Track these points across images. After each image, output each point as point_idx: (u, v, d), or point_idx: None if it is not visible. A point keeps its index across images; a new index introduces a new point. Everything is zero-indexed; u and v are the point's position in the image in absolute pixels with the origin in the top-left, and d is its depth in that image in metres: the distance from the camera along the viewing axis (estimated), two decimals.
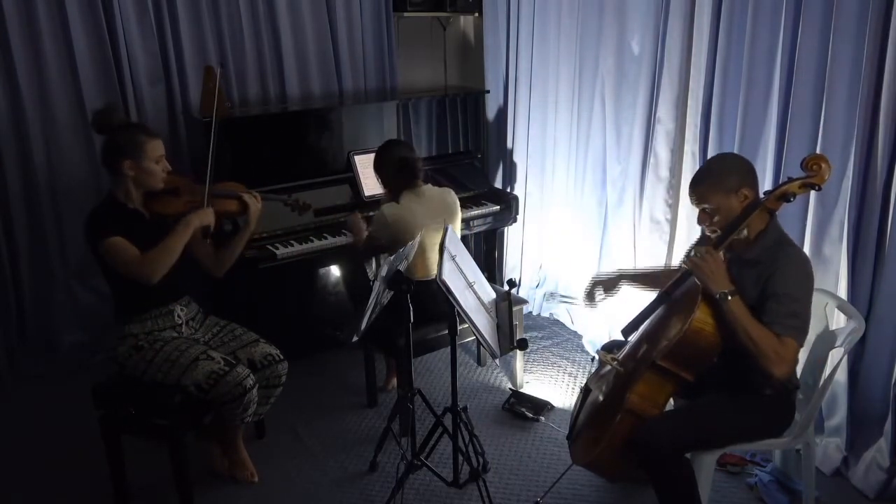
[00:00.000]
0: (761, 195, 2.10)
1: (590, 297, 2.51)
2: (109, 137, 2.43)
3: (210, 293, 3.04)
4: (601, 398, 2.31)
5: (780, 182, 2.11)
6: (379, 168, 2.94)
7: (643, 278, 2.52)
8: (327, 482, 2.70)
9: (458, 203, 3.00)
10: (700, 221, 2.16)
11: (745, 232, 2.08)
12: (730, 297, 1.98)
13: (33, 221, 3.42)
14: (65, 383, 3.42)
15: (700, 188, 2.11)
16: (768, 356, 1.93)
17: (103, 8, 3.30)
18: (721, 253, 2.09)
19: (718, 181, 2.07)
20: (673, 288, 2.23)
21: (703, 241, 2.29)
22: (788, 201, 2.06)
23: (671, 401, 2.20)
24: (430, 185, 2.93)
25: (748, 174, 2.10)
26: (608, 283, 2.50)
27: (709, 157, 2.94)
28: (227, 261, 2.66)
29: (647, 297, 2.37)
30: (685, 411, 2.25)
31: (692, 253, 2.18)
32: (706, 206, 2.09)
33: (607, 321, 3.44)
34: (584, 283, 2.55)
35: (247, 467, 2.69)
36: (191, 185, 2.58)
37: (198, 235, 2.50)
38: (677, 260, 3.08)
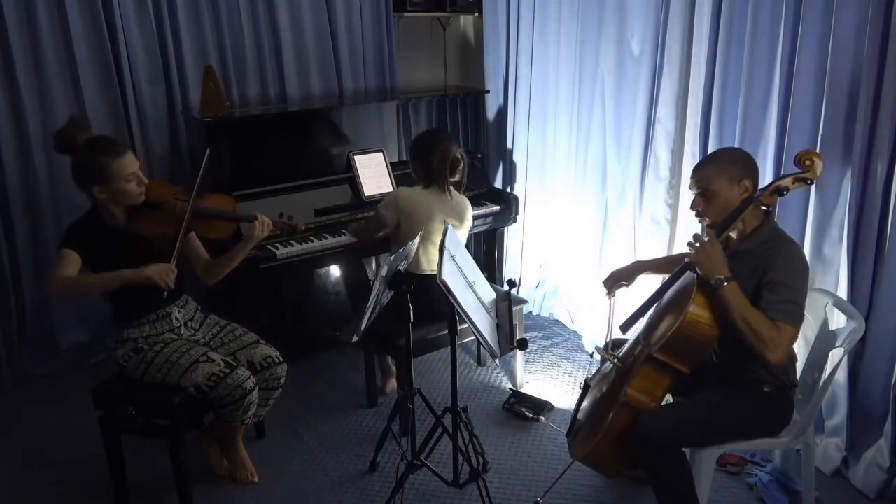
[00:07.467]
0: (757, 193, 2.12)
1: (609, 287, 2.51)
2: (75, 160, 2.30)
3: (211, 292, 3.04)
4: (599, 394, 2.32)
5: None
6: (418, 151, 2.91)
7: (661, 266, 2.54)
8: (327, 482, 2.70)
9: (470, 214, 3.04)
10: (693, 206, 2.16)
11: (740, 226, 2.10)
12: (725, 284, 2.00)
13: (33, 222, 3.41)
14: (65, 383, 3.42)
15: (704, 170, 2.14)
16: (764, 341, 1.95)
17: (103, 8, 3.30)
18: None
19: (724, 166, 2.10)
20: (671, 283, 2.24)
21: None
22: (782, 195, 2.09)
23: (669, 398, 2.21)
24: (454, 190, 2.97)
25: (752, 168, 2.13)
26: (626, 274, 2.52)
27: None
28: (218, 273, 2.60)
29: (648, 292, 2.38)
30: (681, 405, 2.25)
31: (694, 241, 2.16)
32: (706, 188, 2.10)
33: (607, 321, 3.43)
34: (603, 277, 2.56)
35: (247, 467, 2.69)
36: (174, 203, 2.38)
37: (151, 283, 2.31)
38: None
